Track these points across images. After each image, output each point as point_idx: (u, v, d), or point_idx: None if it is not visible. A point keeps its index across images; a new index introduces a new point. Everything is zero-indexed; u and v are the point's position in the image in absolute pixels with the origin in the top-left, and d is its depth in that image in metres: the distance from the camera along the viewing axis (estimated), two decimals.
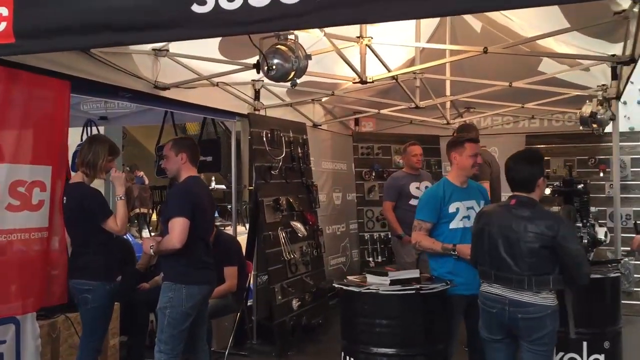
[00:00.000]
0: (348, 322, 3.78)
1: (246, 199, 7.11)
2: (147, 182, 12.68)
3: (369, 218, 7.79)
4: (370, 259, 7.62)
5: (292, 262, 6.01)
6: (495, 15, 5.90)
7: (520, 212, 3.36)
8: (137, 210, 11.37)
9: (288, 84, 6.08)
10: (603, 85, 6.27)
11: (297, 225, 6.13)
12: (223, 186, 12.96)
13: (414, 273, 3.78)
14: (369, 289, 3.58)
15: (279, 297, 5.80)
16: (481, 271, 3.54)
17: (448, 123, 7.14)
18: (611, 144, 7.87)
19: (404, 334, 3.58)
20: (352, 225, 8.72)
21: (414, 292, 3.53)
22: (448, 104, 7.06)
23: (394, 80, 5.68)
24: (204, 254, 4.01)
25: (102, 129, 7.78)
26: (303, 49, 3.18)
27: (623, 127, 8.16)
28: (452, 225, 4.00)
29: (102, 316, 4.05)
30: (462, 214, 4.01)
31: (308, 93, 6.69)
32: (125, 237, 6.80)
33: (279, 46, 3.10)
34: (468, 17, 6.38)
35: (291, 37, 3.15)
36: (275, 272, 5.82)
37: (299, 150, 6.46)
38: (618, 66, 4.91)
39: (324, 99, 7.53)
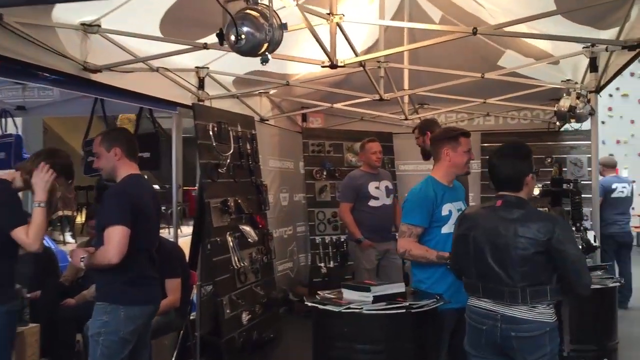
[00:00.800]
0: (323, 347, 3.20)
1: (180, 200, 6.50)
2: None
3: (320, 220, 7.23)
4: (322, 265, 7.07)
5: (241, 270, 5.36)
6: (462, 1, 5.48)
7: (508, 214, 2.91)
8: (60, 213, 10.32)
9: (240, 69, 5.56)
10: (569, 80, 5.99)
11: (247, 229, 5.49)
12: (156, 186, 12.07)
13: (399, 287, 3.25)
14: (350, 307, 3.02)
15: (227, 311, 5.14)
16: (466, 283, 3.06)
17: (406, 118, 6.68)
18: (567, 142, 7.75)
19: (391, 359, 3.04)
20: (300, 227, 8.17)
21: (404, 311, 2.99)
22: (406, 99, 6.60)
23: (355, 69, 5.16)
24: (147, 268, 3.32)
25: (19, 121, 6.87)
26: (277, 16, 2.58)
27: (586, 125, 8.00)
28: (445, 230, 3.50)
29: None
30: (455, 216, 3.53)
31: (258, 83, 6.05)
32: (46, 243, 5.99)
33: (249, 11, 2.49)
34: (427, 6, 5.94)
35: (263, 1, 2.54)
36: (223, 282, 5.16)
37: (248, 147, 5.81)
38: (599, 56, 4.60)
39: (272, 92, 6.92)
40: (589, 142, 7.54)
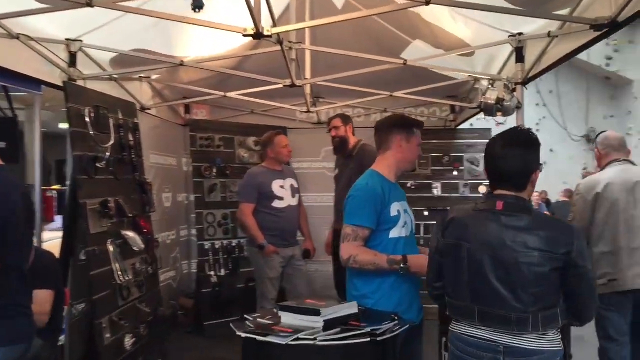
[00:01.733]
0: None
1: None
2: None
3: (209, 223, 6.41)
4: (212, 273, 6.28)
5: (124, 285, 4.48)
6: None
7: (515, 221, 2.34)
8: None
9: (120, 45, 4.64)
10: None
11: (131, 235, 4.60)
12: None
13: (351, 307, 2.63)
14: (299, 339, 2.35)
15: (108, 335, 4.25)
16: (456, 307, 2.47)
17: (308, 111, 6.09)
18: (464, 141, 7.59)
19: None
20: (183, 231, 7.31)
21: (369, 339, 2.38)
22: (308, 88, 6.01)
23: (254, 52, 4.48)
24: (16, 293, 2.43)
25: None
26: None
27: (482, 124, 7.89)
28: (394, 234, 2.95)
29: None
30: (404, 219, 3.00)
31: (142, 63, 5.14)
32: None
33: None
34: None
35: None
36: (102, 300, 4.24)
37: (130, 138, 4.91)
38: (526, 45, 4.33)
39: (154, 77, 6.01)
40: (485, 141, 7.50)
